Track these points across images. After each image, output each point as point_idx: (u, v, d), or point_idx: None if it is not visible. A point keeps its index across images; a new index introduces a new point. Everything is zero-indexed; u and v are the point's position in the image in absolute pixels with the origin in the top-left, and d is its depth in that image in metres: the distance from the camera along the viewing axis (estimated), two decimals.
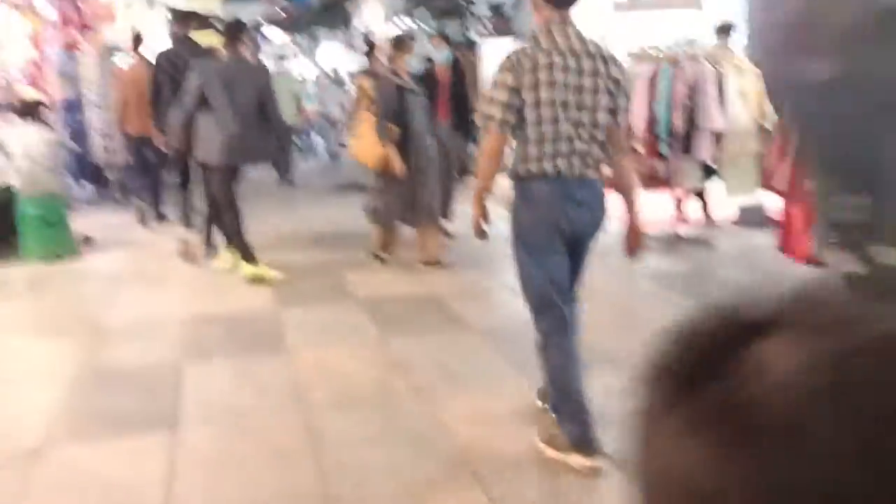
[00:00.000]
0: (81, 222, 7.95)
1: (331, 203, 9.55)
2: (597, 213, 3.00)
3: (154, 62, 7.03)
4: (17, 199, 6.59)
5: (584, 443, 2.88)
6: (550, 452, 2.99)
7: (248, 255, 5.84)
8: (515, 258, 3.04)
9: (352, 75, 17.31)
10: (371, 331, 4.70)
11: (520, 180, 2.95)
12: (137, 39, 8.37)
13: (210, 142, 5.60)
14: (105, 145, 9.01)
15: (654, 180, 8.07)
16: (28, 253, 6.59)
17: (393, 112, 5.75)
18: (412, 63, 6.18)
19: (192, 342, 4.63)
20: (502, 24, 15.08)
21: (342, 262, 6.36)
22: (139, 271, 6.38)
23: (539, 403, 3.31)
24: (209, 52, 6.40)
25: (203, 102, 5.51)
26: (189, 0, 17.77)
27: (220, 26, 7.37)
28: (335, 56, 21.83)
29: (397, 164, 5.76)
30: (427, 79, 7.57)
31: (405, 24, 17.05)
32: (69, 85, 9.04)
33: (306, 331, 4.77)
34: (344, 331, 4.74)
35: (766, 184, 5.60)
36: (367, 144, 5.96)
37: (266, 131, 5.81)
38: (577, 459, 2.89)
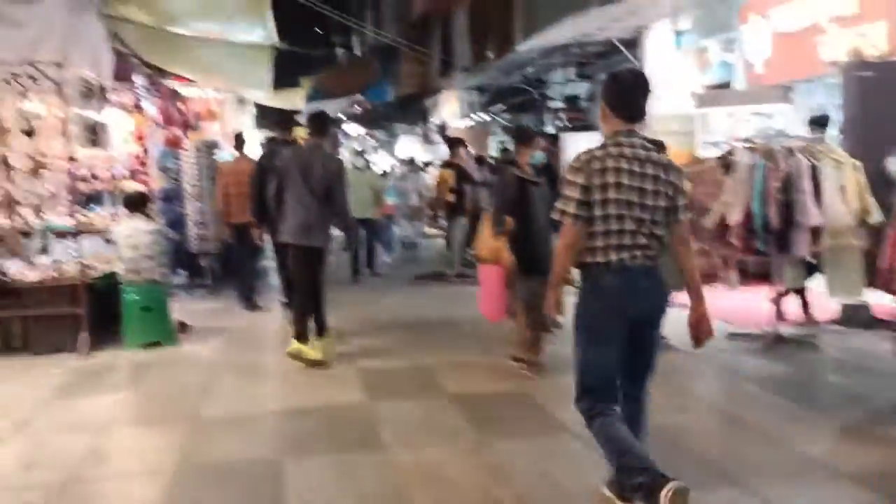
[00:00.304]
0: (177, 309, 8.17)
1: (413, 293, 9.56)
2: (657, 301, 3.29)
3: (254, 158, 7.51)
4: (121, 287, 6.81)
5: (651, 488, 2.96)
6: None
7: (302, 335, 6.07)
8: (575, 340, 3.31)
9: (427, 165, 17.73)
10: (468, 432, 4.55)
11: (587, 270, 3.25)
12: (238, 138, 8.84)
13: (284, 223, 6.07)
14: (199, 234, 9.30)
15: (751, 277, 7.86)
16: (130, 340, 6.74)
17: (513, 204, 5.61)
18: (536, 155, 5.98)
19: (289, 437, 4.57)
20: (577, 116, 15.25)
21: (429, 354, 6.30)
22: (234, 359, 6.42)
23: (606, 492, 3.36)
24: (295, 144, 6.70)
25: (282, 188, 6.04)
26: (275, 98, 18.72)
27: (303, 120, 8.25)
28: (411, 149, 22.43)
29: (506, 258, 5.68)
30: (547, 170, 7.64)
31: (481, 118, 17.44)
32: (168, 178, 9.44)
33: (401, 428, 4.66)
34: (441, 430, 4.61)
35: (880, 284, 5.33)
36: (483, 237, 5.95)
37: (328, 216, 6.12)
38: None
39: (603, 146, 3.23)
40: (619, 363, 3.26)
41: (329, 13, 13.05)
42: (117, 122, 8.72)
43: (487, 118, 17.31)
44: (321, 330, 6.41)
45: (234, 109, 18.09)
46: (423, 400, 5.20)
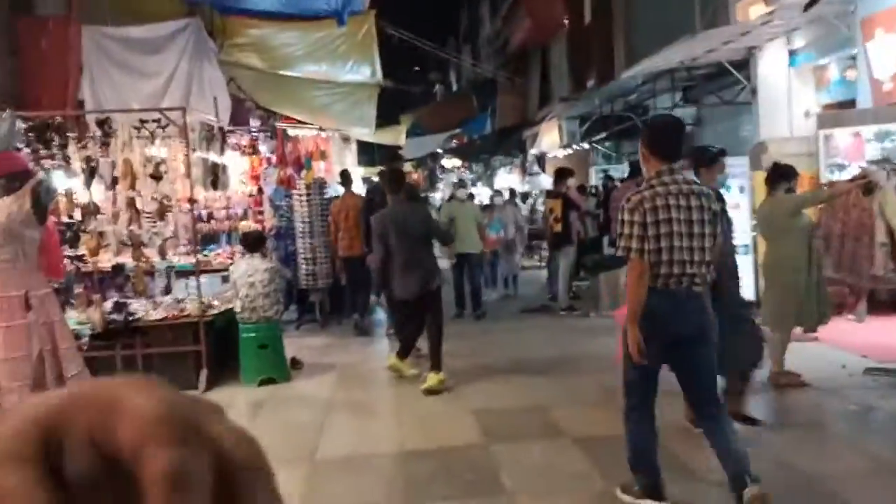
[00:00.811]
0: (289, 345, 8.24)
1: (521, 328, 9.29)
2: (702, 322, 3.63)
3: (359, 194, 7.65)
4: (238, 324, 6.91)
5: (655, 490, 3.70)
6: (626, 498, 3.81)
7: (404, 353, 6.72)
8: (625, 353, 3.66)
9: (525, 197, 17.52)
10: (596, 481, 4.26)
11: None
12: (344, 175, 9.04)
13: (403, 281, 6.39)
14: (309, 271, 9.41)
15: (883, 306, 7.24)
16: (246, 377, 6.81)
17: None
18: (720, 178, 5.16)
19: (406, 480, 4.41)
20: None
21: (545, 392, 6.04)
22: (346, 397, 6.35)
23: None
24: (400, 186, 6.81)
25: (389, 252, 6.36)
26: (377, 135, 19.05)
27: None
28: (509, 180, 22.31)
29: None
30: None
31: (581, 147, 17.13)
32: (281, 216, 9.63)
33: (523, 472, 4.42)
34: (565, 476, 4.34)
35: None
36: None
37: (432, 253, 6.69)
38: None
39: (649, 186, 3.55)
40: (680, 385, 3.78)
41: (429, 48, 13.11)
42: (234, 164, 8.97)
43: (587, 147, 16.99)
44: (436, 365, 6.35)
45: (339, 148, 18.56)
46: (544, 442, 4.94)
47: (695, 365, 3.63)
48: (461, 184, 12.51)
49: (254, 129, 9.84)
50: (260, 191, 9.28)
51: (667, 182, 3.52)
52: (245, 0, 10.39)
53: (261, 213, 9.21)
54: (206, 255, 8.78)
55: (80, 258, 6.73)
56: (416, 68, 35.27)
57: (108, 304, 6.63)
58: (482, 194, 26.86)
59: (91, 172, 6.66)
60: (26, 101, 8.54)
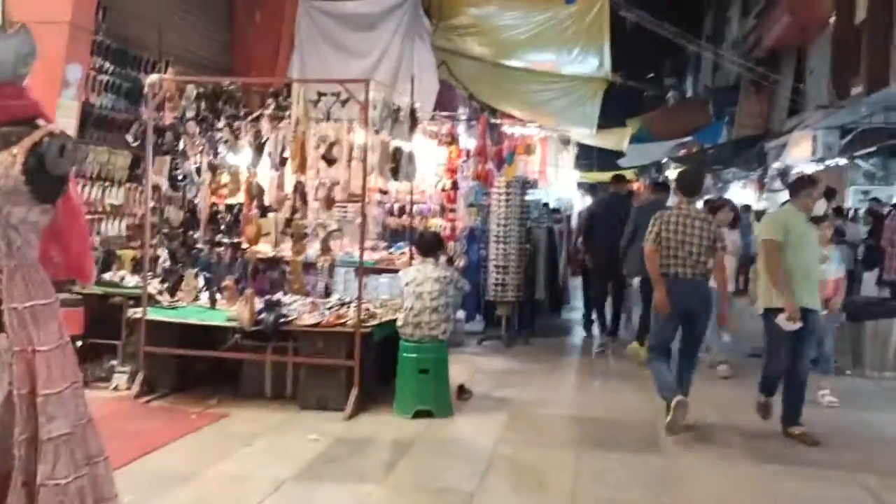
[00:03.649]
0: (462, 364, 6.74)
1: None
2: (701, 299, 5.28)
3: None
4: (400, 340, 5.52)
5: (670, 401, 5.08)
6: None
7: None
8: (652, 319, 5.70)
9: (761, 214, 14.60)
10: None
11: (662, 276, 5.24)
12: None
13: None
14: (499, 280, 7.84)
15: None
16: (400, 404, 5.39)
17: None
18: None
19: None
20: None
21: None
22: (513, 454, 4.67)
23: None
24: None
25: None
26: (599, 137, 17.01)
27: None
28: (744, 196, 19.17)
29: None
30: None
31: (836, 163, 13.92)
32: (475, 216, 8.15)
33: None
34: None
35: None
36: None
37: None
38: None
39: (674, 211, 5.40)
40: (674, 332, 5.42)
41: (671, 36, 10.94)
42: (427, 153, 7.62)
43: (844, 163, 13.72)
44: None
45: (556, 149, 16.83)
46: None
47: (694, 327, 5.36)
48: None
49: (458, 118, 8.42)
50: (455, 185, 7.85)
51: (682, 210, 5.35)
52: None
53: (453, 210, 7.79)
54: (391, 253, 7.55)
55: (236, 246, 5.70)
56: (651, 75, 32.40)
57: (260, 302, 5.51)
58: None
59: (259, 149, 5.58)
60: (236, 74, 7.83)
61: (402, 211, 7.86)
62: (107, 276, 6.35)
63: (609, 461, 4.54)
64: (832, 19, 14.45)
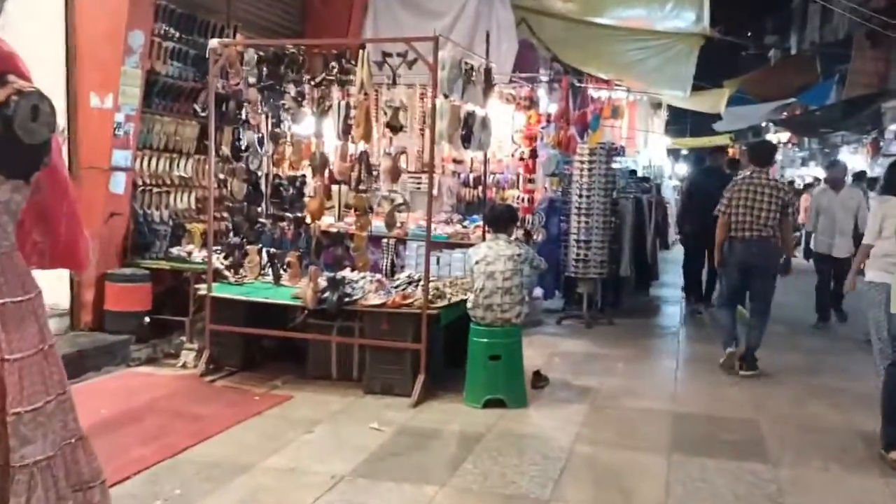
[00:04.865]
0: (540, 347, 6.27)
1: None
2: (765, 258, 5.82)
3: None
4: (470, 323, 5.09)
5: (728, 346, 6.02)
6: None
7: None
8: (722, 275, 6.43)
9: (872, 182, 13.29)
10: None
11: (728, 240, 5.89)
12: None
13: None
14: (580, 255, 7.27)
15: None
16: (470, 393, 4.98)
17: None
18: None
19: None
20: None
21: None
22: (592, 453, 4.19)
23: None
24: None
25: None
26: (693, 100, 15.87)
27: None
28: (855, 161, 17.58)
29: None
30: None
31: None
32: (556, 186, 7.57)
33: None
34: None
35: None
36: None
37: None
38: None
39: (745, 178, 6.06)
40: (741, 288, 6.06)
41: None
42: (506, 119, 7.08)
43: None
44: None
45: (645, 113, 15.82)
46: None
47: (756, 282, 5.91)
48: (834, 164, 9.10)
49: (539, 80, 7.80)
50: (534, 154, 7.28)
51: (754, 177, 5.96)
52: None
53: (532, 181, 7.24)
54: (465, 227, 7.11)
55: (300, 220, 5.38)
56: (749, 34, 30.23)
57: (324, 280, 5.18)
58: (811, 176, 22.13)
59: (322, 116, 5.20)
60: (308, 39, 7.48)
61: (477, 182, 7.39)
62: (175, 250, 6.21)
63: (705, 469, 3.98)
64: None
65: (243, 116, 5.47)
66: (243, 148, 5.55)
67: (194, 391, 5.19)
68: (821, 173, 20.13)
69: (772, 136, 24.56)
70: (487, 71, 5.79)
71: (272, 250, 5.69)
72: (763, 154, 6.23)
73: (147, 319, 5.89)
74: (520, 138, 7.27)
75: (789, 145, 25.49)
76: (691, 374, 6.05)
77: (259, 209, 5.70)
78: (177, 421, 4.55)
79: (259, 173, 5.65)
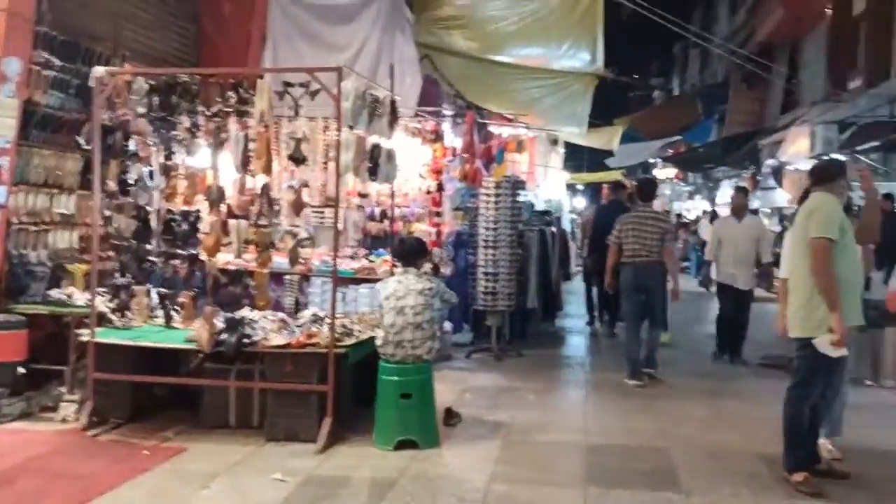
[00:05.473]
0: (450, 383, 6.10)
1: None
2: (654, 278, 6.65)
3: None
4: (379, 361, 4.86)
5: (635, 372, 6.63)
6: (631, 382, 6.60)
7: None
8: (622, 296, 6.87)
9: (754, 213, 14.08)
10: None
11: (621, 265, 6.66)
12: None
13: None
14: (489, 288, 7.20)
15: None
16: (380, 434, 4.73)
17: None
18: None
19: None
20: None
21: None
22: (508, 492, 4.02)
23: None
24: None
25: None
26: (588, 136, 16.41)
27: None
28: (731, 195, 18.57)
29: None
30: None
31: (826, 160, 13.36)
32: (463, 219, 7.51)
33: None
34: None
35: None
36: None
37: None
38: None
39: (632, 213, 6.89)
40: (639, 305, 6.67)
41: (667, 24, 10.34)
42: (412, 153, 6.97)
43: (845, 159, 13.13)
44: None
45: (545, 149, 16.20)
46: None
47: (649, 299, 6.65)
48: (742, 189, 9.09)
49: (443, 114, 7.77)
50: (440, 187, 7.20)
51: (639, 211, 6.82)
52: None
53: (439, 214, 7.14)
54: (372, 261, 6.90)
55: (194, 257, 5.02)
56: (635, 76, 31.84)
57: (220, 321, 4.83)
58: (697, 209, 23.23)
59: (218, 148, 4.91)
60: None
61: (384, 215, 7.22)
62: (54, 293, 5.66)
63: (621, 501, 3.91)
64: (828, 11, 13.97)
65: (131, 148, 5.08)
66: (131, 182, 5.15)
67: (75, 448, 4.69)
68: (707, 206, 21.23)
69: (659, 172, 25.78)
70: (393, 103, 5.67)
71: (163, 290, 5.28)
72: (646, 190, 7.14)
73: (22, 370, 5.31)
74: (426, 172, 7.18)
75: (676, 180, 26.79)
76: (600, 403, 6.03)
77: (149, 247, 5.29)
78: (55, 482, 4.07)
79: (149, 208, 5.25)
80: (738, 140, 17.97)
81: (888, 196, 10.89)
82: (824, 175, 4.31)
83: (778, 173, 16.14)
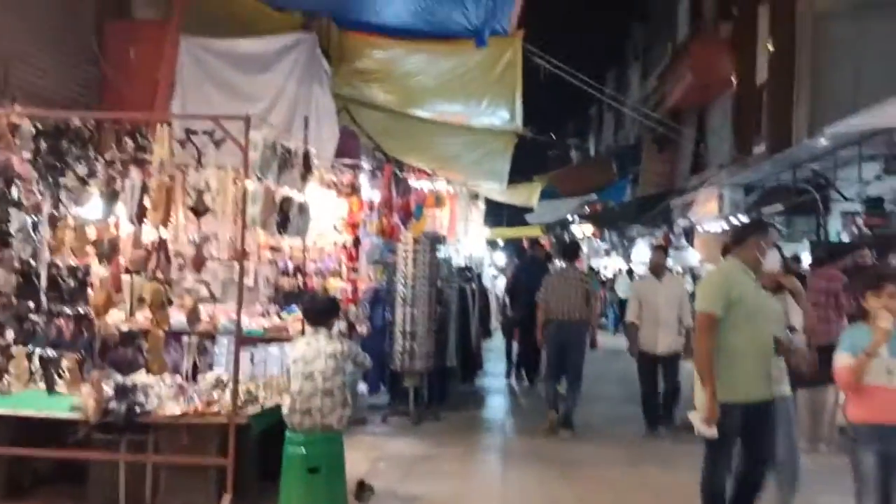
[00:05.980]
0: (363, 451, 5.77)
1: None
2: (576, 336, 7.03)
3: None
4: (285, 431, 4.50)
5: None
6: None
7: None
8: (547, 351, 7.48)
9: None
10: None
11: (546, 323, 7.06)
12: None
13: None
14: (406, 348, 6.95)
15: None
16: None
17: None
18: None
19: None
20: (878, 222, 11.25)
21: None
22: None
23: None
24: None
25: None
26: (509, 193, 16.62)
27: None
28: (649, 253, 19.14)
29: None
30: None
31: (742, 220, 13.95)
32: (380, 275, 7.29)
33: None
34: None
35: None
36: None
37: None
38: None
39: (558, 271, 7.71)
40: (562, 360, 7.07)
41: (584, 84, 10.63)
42: (327, 206, 6.74)
43: (761, 219, 13.72)
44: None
45: (465, 204, 16.26)
46: None
47: (568, 356, 7.01)
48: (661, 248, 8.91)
49: (360, 167, 7.60)
50: (357, 242, 6.98)
51: (563, 271, 7.60)
52: (369, 11, 8.25)
53: (355, 270, 6.89)
54: (283, 319, 6.53)
55: (82, 317, 4.59)
56: (553, 135, 32.88)
57: (110, 387, 4.38)
58: (614, 267, 23.80)
59: (112, 197, 4.54)
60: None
61: (297, 270, 6.90)
62: None
63: None
64: (734, 80, 14.81)
65: (13, 196, 4.64)
66: (12, 232, 4.69)
67: None
68: (623, 264, 21.77)
69: (577, 228, 26.41)
70: (306, 154, 5.46)
71: (47, 353, 4.78)
72: (570, 252, 7.94)
73: None
74: (342, 225, 6.94)
75: (593, 237, 27.48)
76: (520, 471, 5.82)
77: (31, 304, 4.80)
78: None
79: (32, 262, 4.78)
80: (651, 200, 18.65)
81: (795, 258, 11.34)
82: (734, 238, 4.35)
83: (689, 233, 16.74)
